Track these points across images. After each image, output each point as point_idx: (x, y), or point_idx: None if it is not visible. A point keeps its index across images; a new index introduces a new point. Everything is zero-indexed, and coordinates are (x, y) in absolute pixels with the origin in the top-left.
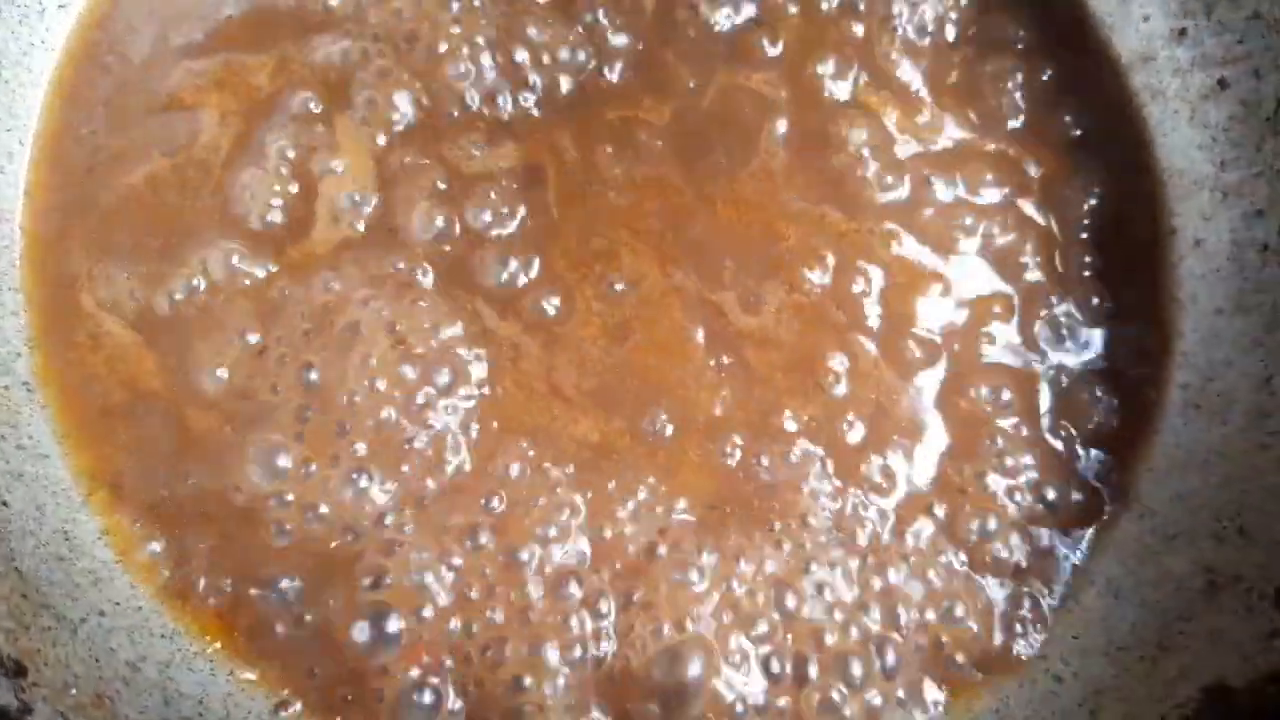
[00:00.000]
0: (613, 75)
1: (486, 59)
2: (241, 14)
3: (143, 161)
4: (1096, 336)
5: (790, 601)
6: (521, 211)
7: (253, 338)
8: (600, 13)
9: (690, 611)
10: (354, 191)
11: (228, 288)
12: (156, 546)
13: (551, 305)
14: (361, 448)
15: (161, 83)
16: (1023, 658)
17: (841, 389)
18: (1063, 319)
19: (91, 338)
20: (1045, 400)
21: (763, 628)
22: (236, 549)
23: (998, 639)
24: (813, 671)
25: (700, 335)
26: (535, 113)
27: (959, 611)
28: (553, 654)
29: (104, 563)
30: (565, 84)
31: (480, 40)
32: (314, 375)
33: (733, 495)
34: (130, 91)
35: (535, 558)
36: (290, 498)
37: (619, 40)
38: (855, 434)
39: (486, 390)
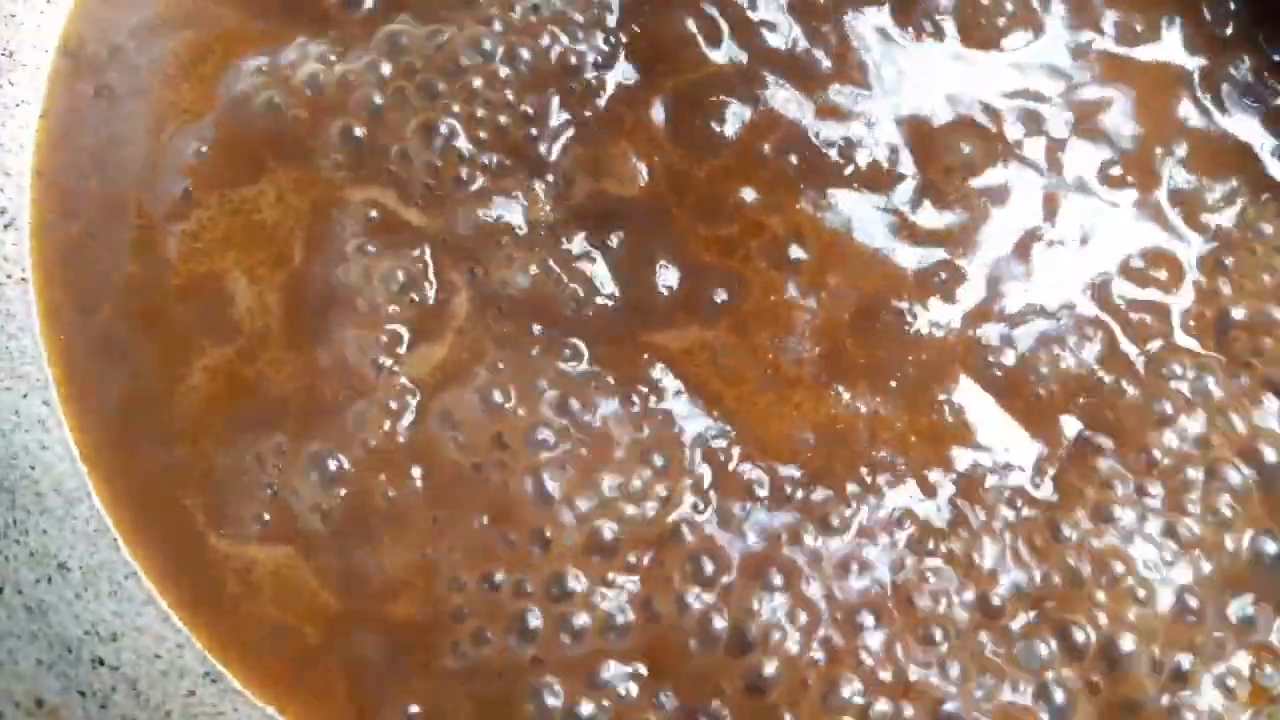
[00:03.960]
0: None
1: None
2: (213, 143)
3: (193, 358)
4: None
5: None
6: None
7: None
8: None
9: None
10: (460, 285)
11: (369, 455)
12: None
13: (721, 295)
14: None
15: (163, 261)
16: None
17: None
18: (1245, 76)
19: (243, 583)
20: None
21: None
22: None
23: None
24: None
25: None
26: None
27: None
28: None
29: None
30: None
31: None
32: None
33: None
34: (135, 287)
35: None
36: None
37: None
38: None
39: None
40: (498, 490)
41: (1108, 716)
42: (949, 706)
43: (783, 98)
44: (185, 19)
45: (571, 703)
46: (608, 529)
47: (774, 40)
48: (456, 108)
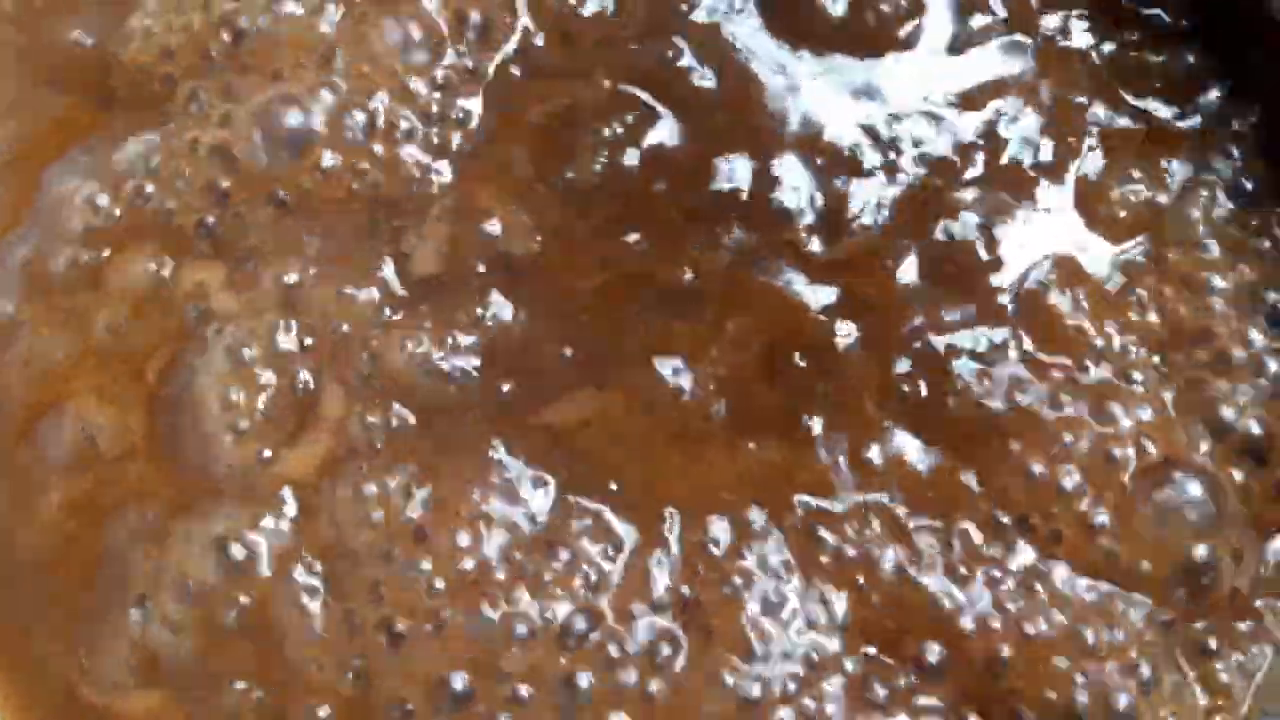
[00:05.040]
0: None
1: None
2: (36, 251)
3: (44, 493)
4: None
5: None
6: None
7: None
8: None
9: None
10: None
11: (246, 576)
12: None
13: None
14: None
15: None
16: None
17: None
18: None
19: None
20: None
21: None
22: None
23: None
24: None
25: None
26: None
27: None
28: None
29: None
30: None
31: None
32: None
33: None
34: None
35: None
36: None
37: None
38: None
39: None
40: (389, 601)
41: None
42: None
43: (664, 128)
44: (5, 110)
45: None
46: (519, 624)
47: (647, 61)
48: (307, 183)
